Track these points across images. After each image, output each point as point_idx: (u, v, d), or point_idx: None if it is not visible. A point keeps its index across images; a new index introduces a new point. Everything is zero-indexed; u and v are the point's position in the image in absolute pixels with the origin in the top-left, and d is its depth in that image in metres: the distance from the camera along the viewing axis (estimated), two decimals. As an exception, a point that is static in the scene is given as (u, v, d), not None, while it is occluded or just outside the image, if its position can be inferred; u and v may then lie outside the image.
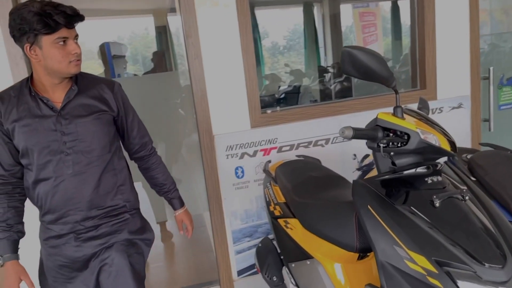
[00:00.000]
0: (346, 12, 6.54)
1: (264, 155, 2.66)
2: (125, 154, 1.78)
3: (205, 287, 2.82)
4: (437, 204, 1.27)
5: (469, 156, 2.06)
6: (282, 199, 2.10)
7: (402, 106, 1.50)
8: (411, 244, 1.22)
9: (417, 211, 1.28)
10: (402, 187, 1.38)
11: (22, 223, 1.62)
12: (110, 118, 1.62)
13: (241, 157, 2.62)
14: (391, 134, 1.37)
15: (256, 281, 2.52)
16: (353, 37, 6.59)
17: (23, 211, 1.64)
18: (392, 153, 1.39)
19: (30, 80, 1.55)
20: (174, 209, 1.92)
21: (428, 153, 1.39)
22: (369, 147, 1.40)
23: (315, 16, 6.47)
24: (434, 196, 1.27)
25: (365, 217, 1.35)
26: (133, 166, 1.83)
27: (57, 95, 1.54)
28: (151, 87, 4.00)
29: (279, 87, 5.96)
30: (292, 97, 5.47)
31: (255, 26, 6.17)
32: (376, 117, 1.39)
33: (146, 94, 3.90)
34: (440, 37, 2.84)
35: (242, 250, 2.71)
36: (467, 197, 1.29)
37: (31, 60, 1.48)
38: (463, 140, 2.90)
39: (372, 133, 1.34)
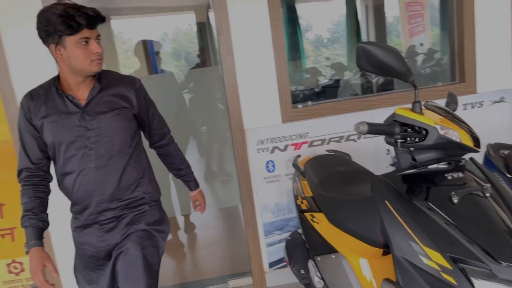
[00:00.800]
0: (391, 3, 6.36)
1: (295, 149, 2.68)
2: (145, 145, 1.86)
3: (238, 278, 2.89)
4: (455, 201, 1.24)
5: (506, 152, 1.98)
6: (309, 193, 2.12)
7: (430, 101, 1.49)
8: (426, 239, 1.21)
9: (435, 207, 1.26)
10: (422, 183, 1.36)
11: (46, 214, 1.68)
12: (131, 114, 1.68)
13: (272, 151, 2.66)
14: (409, 130, 1.35)
15: (287, 274, 2.55)
16: (399, 28, 6.42)
17: (47, 203, 1.70)
18: (412, 149, 1.37)
19: (57, 79, 1.63)
20: (190, 190, 2.05)
21: (450, 149, 1.36)
22: (387, 143, 1.40)
23: (358, 8, 6.35)
24: (453, 192, 1.25)
25: (383, 212, 1.35)
26: (156, 159, 1.92)
27: (81, 93, 1.61)
28: (193, 81, 4.12)
29: (318, 81, 5.92)
30: (331, 91, 5.42)
31: (295, 19, 6.15)
32: (394, 112, 1.38)
33: (187, 88, 4.02)
34: (480, 28, 2.72)
35: (273, 243, 2.75)
36: (488, 194, 1.26)
37: (57, 60, 1.56)
38: (505, 135, 2.78)
39: (388, 129, 1.34)
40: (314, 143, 2.69)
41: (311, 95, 5.28)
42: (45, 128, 1.59)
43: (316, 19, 7.01)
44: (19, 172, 1.68)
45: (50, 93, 1.61)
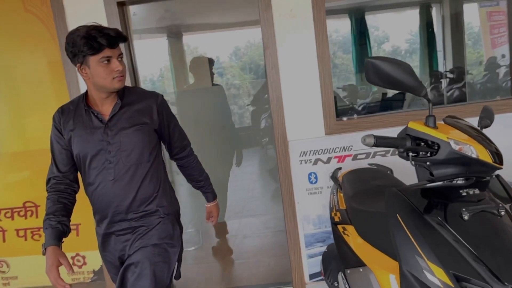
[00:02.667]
0: (471, 12, 6.05)
1: (338, 162, 2.68)
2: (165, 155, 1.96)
3: (279, 287, 2.94)
4: (466, 217, 1.21)
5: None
6: (343, 206, 2.12)
7: (454, 116, 1.46)
8: (431, 255, 1.19)
9: (445, 223, 1.24)
10: (436, 198, 1.34)
11: (68, 219, 1.72)
12: (151, 130, 1.75)
13: (315, 163, 2.69)
14: (423, 144, 1.34)
15: (327, 286, 2.55)
16: (479, 38, 6.07)
17: (70, 210, 1.76)
18: (428, 163, 1.36)
19: (85, 95, 1.75)
20: (208, 201, 2.11)
21: (469, 165, 1.32)
22: (401, 157, 1.39)
23: (434, 18, 6.13)
24: (463, 209, 1.22)
25: (393, 226, 1.34)
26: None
27: (106, 108, 1.72)
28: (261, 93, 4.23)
29: (386, 94, 5.79)
30: (396, 103, 5.28)
31: (365, 31, 6.09)
32: (407, 126, 1.37)
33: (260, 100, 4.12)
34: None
35: (314, 255, 2.76)
36: (502, 213, 1.21)
37: (83, 78, 1.68)
38: None
39: (397, 142, 1.33)
40: (359, 157, 2.67)
41: (375, 108, 5.18)
42: (72, 141, 1.71)
43: (393, 29, 6.87)
44: (48, 181, 1.79)
45: (79, 108, 1.73)
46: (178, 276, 1.88)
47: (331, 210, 2.25)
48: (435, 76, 5.83)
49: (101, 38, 1.57)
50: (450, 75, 5.45)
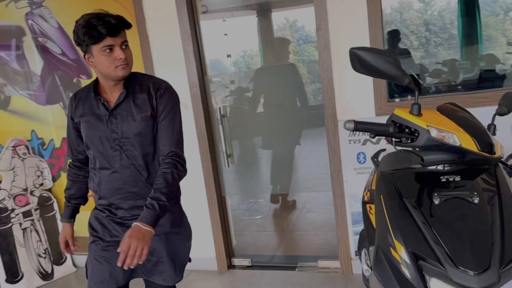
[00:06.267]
0: None
1: (387, 143, 2.68)
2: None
3: (327, 260, 3.08)
4: (436, 202, 1.25)
5: None
6: (374, 186, 2.18)
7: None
8: (398, 234, 1.27)
9: (418, 206, 1.29)
10: (419, 182, 1.39)
11: (82, 198, 1.91)
12: (153, 119, 1.70)
13: (364, 143, 2.73)
14: (407, 130, 1.38)
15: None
16: None
17: (84, 189, 1.90)
18: (417, 149, 1.41)
19: (97, 82, 1.74)
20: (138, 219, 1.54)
21: (459, 153, 1.35)
22: (388, 142, 1.45)
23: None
24: (435, 194, 1.26)
25: (376, 206, 1.42)
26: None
27: (113, 96, 1.71)
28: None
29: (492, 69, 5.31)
30: (496, 79, 4.84)
31: (474, 1, 5.63)
32: (393, 112, 1.42)
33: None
34: None
35: (361, 232, 2.83)
36: (475, 200, 1.23)
37: (90, 66, 1.69)
38: None
39: (380, 128, 1.39)
40: (409, 139, 2.64)
41: (472, 84, 4.82)
42: (81, 126, 1.74)
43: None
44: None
45: (89, 94, 1.74)
46: (189, 260, 1.93)
47: (364, 190, 2.31)
48: None
49: (101, 26, 1.54)
50: None
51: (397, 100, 2.68)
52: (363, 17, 2.61)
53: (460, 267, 1.12)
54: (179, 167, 1.66)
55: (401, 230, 1.27)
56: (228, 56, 3.75)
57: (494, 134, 1.56)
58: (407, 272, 1.20)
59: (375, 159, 2.39)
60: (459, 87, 4.88)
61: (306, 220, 3.87)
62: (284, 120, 3.34)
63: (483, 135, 1.33)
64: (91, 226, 1.83)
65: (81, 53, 1.67)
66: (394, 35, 4.58)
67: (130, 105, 1.69)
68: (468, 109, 1.59)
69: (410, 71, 4.30)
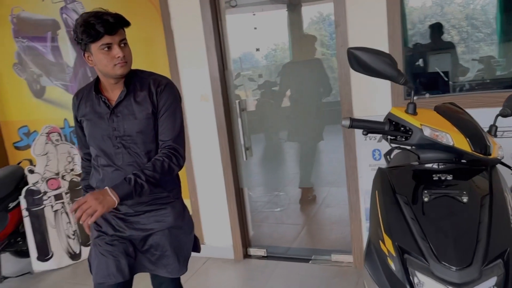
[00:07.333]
0: None
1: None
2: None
3: (341, 254, 3.12)
4: (426, 199, 1.29)
5: None
6: None
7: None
8: (387, 228, 1.31)
9: (409, 202, 1.34)
10: (412, 179, 1.43)
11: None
12: (153, 116, 1.71)
13: (379, 140, 2.75)
14: (402, 129, 1.42)
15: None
16: None
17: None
18: (413, 147, 1.45)
19: (98, 80, 1.74)
20: (111, 186, 1.57)
21: (453, 152, 1.39)
22: (384, 139, 1.49)
23: None
24: (425, 191, 1.30)
25: (371, 200, 1.47)
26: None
27: (114, 94, 1.71)
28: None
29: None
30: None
31: None
32: (389, 111, 1.46)
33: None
34: None
35: (373, 228, 2.85)
36: (464, 199, 1.26)
37: (90, 65, 1.69)
38: None
39: (375, 126, 1.44)
40: (425, 137, 2.64)
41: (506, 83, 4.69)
42: (84, 124, 1.77)
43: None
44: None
45: (90, 93, 1.75)
46: (199, 249, 1.99)
47: (374, 186, 2.35)
48: None
49: (98, 25, 1.54)
50: None
51: (415, 98, 2.67)
52: (382, 14, 2.61)
53: (442, 262, 1.16)
54: (173, 160, 1.67)
55: (391, 224, 1.31)
56: (257, 50, 3.81)
57: (495, 135, 1.58)
58: (392, 265, 1.24)
59: (388, 156, 2.42)
60: (491, 85, 4.75)
61: (324, 214, 3.92)
62: (308, 115, 3.38)
63: (478, 136, 1.36)
64: (95, 221, 1.73)
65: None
66: (437, 29, 4.50)
67: (131, 102, 1.69)
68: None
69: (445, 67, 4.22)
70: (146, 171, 1.60)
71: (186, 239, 1.88)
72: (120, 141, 1.70)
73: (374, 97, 2.73)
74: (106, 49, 1.59)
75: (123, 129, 1.69)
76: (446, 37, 4.82)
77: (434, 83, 4.22)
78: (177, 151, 1.70)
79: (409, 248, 1.23)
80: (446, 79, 4.31)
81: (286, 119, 3.47)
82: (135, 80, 1.72)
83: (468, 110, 2.46)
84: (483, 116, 2.40)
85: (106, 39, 1.57)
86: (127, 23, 1.64)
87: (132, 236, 1.79)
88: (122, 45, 1.63)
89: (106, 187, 1.55)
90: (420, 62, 4.65)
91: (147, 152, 1.72)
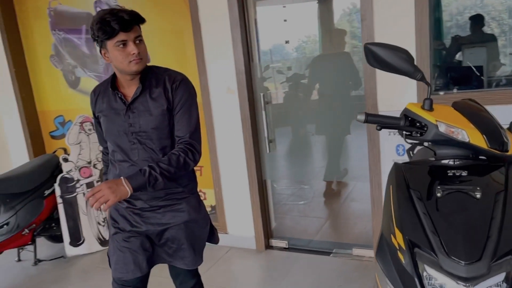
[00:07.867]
0: None
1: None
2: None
3: (362, 248, 3.12)
4: (439, 194, 1.29)
5: None
6: None
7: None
8: (399, 222, 1.32)
9: (422, 197, 1.34)
10: (427, 174, 1.42)
11: None
12: (168, 113, 1.73)
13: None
14: (418, 125, 1.42)
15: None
16: None
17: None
18: (429, 143, 1.45)
19: (115, 76, 1.77)
20: (126, 176, 1.62)
21: (470, 148, 1.38)
22: (400, 135, 1.49)
23: None
24: (438, 187, 1.30)
25: (385, 195, 1.48)
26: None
27: (131, 90, 1.74)
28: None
29: None
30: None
31: None
32: (405, 107, 1.45)
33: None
34: None
35: (396, 224, 2.83)
36: (478, 195, 1.25)
37: (106, 62, 1.72)
38: None
39: (391, 121, 1.44)
40: (451, 133, 2.59)
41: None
42: (101, 120, 1.80)
43: None
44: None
45: (107, 89, 1.77)
46: (217, 241, 2.03)
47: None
48: None
49: (114, 22, 1.56)
50: None
51: (441, 93, 2.63)
52: (410, 7, 2.58)
53: (451, 257, 1.17)
54: (189, 155, 1.69)
55: (402, 219, 1.32)
56: (287, 42, 3.82)
57: (515, 132, 1.55)
58: (402, 258, 1.26)
59: (411, 152, 2.40)
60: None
61: (348, 209, 3.91)
62: (336, 108, 3.37)
63: (495, 133, 1.34)
64: (112, 218, 1.89)
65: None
66: (477, 20, 4.37)
67: (147, 99, 1.71)
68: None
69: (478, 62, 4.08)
70: (162, 164, 1.63)
71: (201, 232, 1.91)
72: (135, 137, 1.73)
73: (400, 93, 2.70)
74: (121, 46, 1.61)
75: (139, 125, 1.72)
76: (486, 29, 4.67)
77: (466, 78, 4.10)
78: (194, 147, 1.72)
79: (419, 242, 1.24)
80: (478, 73, 4.19)
81: (314, 112, 3.47)
82: (150, 77, 1.74)
83: (496, 107, 2.42)
84: (501, 112, 2.34)
85: (121, 36, 1.59)
86: (142, 20, 1.66)
87: (149, 231, 1.83)
88: (137, 42, 1.64)
89: (121, 177, 1.60)
90: (454, 56, 4.52)
91: (162, 148, 1.75)
